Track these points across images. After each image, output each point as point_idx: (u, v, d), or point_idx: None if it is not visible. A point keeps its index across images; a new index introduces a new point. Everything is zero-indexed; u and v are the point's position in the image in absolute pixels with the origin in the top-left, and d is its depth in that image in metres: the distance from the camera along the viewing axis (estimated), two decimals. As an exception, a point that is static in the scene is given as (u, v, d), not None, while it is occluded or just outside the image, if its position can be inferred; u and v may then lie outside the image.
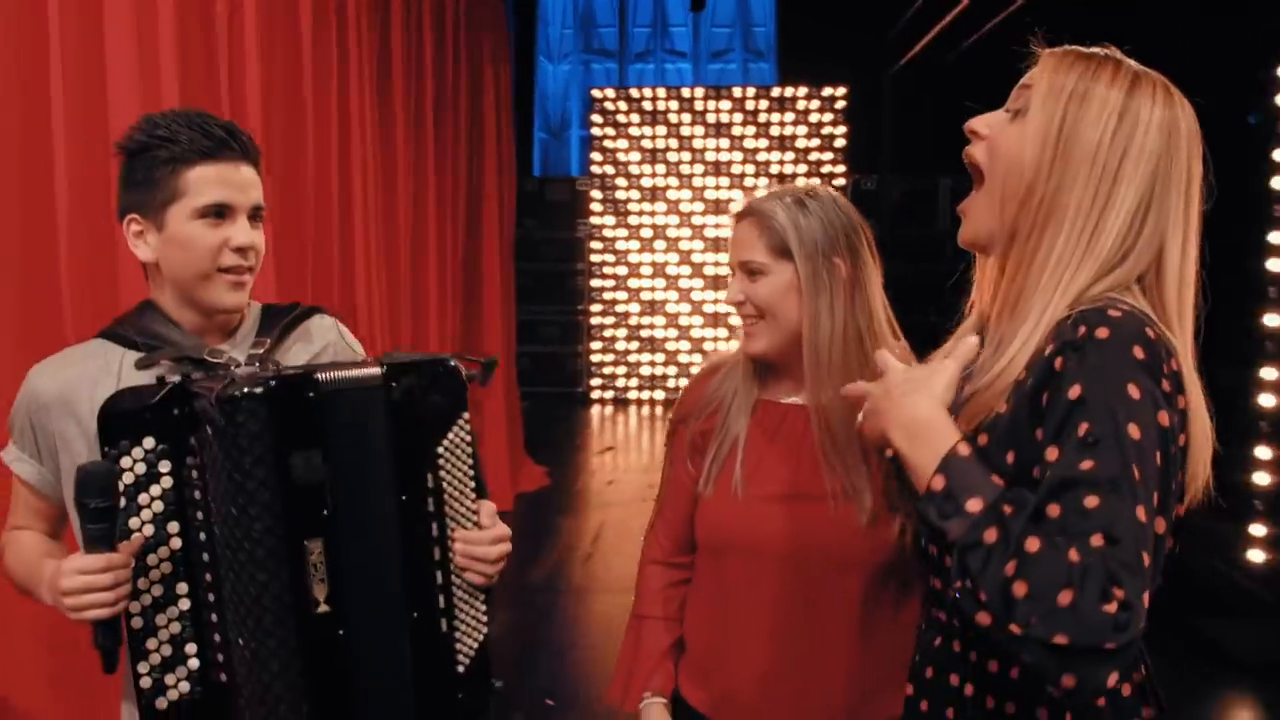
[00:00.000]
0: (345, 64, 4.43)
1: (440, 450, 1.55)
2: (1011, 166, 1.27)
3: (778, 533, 1.66)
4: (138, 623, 1.51)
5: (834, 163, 9.86)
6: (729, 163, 9.93)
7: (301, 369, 1.54)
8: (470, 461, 1.59)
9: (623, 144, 9.97)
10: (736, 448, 1.71)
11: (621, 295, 10.13)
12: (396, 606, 1.53)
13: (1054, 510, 1.10)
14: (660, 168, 9.96)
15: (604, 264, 10.06)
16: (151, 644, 1.50)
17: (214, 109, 3.27)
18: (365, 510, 1.50)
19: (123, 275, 2.74)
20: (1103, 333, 1.16)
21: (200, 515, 1.50)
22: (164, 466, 1.50)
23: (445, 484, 1.56)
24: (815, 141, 9.83)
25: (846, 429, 1.62)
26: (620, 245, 10.04)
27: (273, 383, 1.44)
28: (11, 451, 1.69)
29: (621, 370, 10.23)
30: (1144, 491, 1.09)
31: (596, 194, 9.97)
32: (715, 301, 10.06)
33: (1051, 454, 1.14)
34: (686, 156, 9.94)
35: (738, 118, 9.87)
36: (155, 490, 1.50)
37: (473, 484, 1.60)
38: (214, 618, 1.50)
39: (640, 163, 9.94)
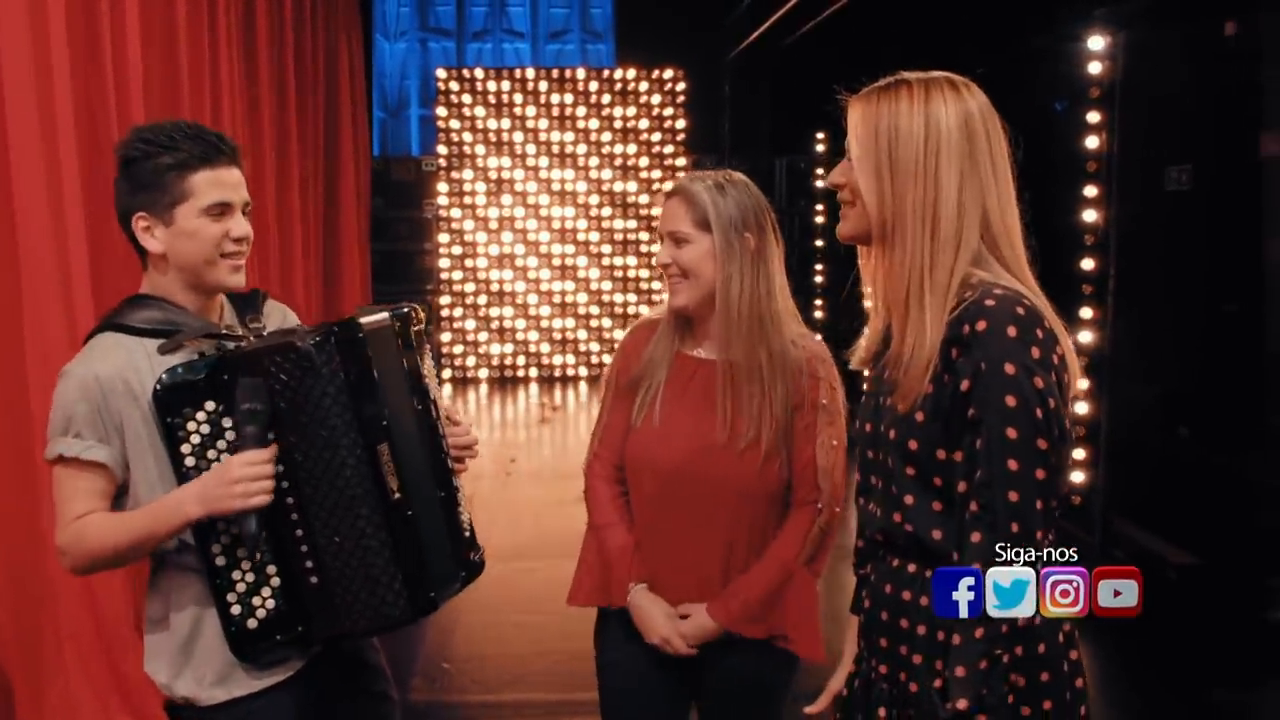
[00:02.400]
0: (215, 33, 4.42)
1: (425, 371, 1.94)
2: (865, 198, 1.56)
3: (676, 459, 2.08)
4: (221, 560, 1.78)
5: (672, 142, 10.00)
6: (574, 143, 9.98)
7: (345, 320, 1.83)
8: (438, 379, 2.03)
9: (468, 127, 9.89)
10: (659, 393, 2.12)
11: (467, 280, 10.03)
12: (432, 488, 1.92)
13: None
14: (505, 154, 9.91)
15: (450, 245, 9.97)
16: (236, 575, 1.79)
17: (100, 101, 3.31)
18: (404, 417, 1.87)
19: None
20: (981, 325, 1.45)
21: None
22: (226, 423, 1.77)
23: (433, 395, 1.95)
24: (652, 123, 9.99)
25: (748, 384, 2.03)
26: (467, 232, 9.95)
27: (334, 329, 1.79)
28: (75, 445, 1.78)
29: (471, 353, 10.18)
30: (1027, 447, 1.41)
31: (443, 178, 9.86)
32: (562, 290, 10.13)
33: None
34: (530, 138, 9.95)
35: (580, 101, 9.94)
36: (221, 445, 1.78)
37: (442, 396, 2.03)
38: (299, 533, 1.81)
39: (484, 143, 9.89)
